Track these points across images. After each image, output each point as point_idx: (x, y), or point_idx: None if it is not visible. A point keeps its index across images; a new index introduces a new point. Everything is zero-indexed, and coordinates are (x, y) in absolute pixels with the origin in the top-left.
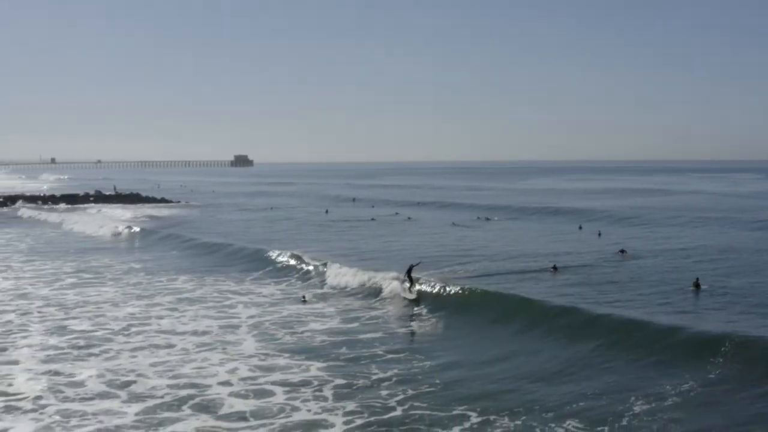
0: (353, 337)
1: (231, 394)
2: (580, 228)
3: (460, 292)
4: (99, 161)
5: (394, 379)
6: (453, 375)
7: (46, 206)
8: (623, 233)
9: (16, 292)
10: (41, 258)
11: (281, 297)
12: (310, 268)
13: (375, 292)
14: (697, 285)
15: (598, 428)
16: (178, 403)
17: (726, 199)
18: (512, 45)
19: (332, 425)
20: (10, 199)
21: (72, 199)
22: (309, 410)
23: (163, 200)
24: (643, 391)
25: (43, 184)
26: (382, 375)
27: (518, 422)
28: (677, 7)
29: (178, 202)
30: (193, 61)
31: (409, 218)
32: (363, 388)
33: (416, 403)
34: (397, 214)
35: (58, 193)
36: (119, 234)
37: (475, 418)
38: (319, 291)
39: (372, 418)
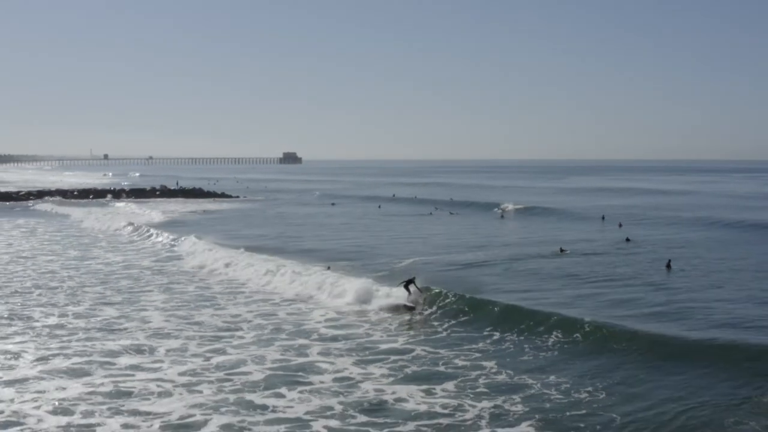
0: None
1: (323, 327)
2: (603, 218)
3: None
4: (150, 157)
5: (443, 316)
6: (485, 314)
7: (123, 199)
8: (643, 226)
9: (125, 264)
10: (140, 238)
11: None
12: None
13: None
14: (668, 266)
15: (575, 335)
16: (280, 331)
17: (743, 200)
18: (553, 43)
19: (398, 341)
20: (92, 193)
21: (140, 194)
22: (381, 336)
23: (223, 195)
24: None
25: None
26: (435, 314)
27: (521, 337)
28: (721, 4)
29: (237, 197)
30: (240, 58)
31: (450, 213)
32: (421, 322)
33: (456, 328)
34: (436, 209)
35: (127, 188)
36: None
37: (496, 336)
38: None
39: (424, 338)
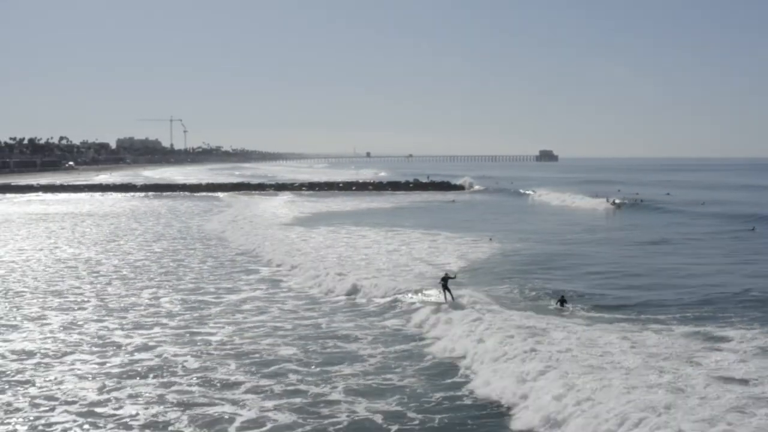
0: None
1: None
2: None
3: None
4: (410, 155)
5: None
6: None
7: (378, 192)
8: None
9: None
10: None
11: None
12: None
13: None
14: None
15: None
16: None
17: None
18: None
19: None
20: (355, 185)
21: (396, 186)
22: None
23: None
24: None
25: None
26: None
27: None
28: None
29: (485, 189)
30: (499, 59)
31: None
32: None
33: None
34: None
35: (384, 181)
36: None
37: None
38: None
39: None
